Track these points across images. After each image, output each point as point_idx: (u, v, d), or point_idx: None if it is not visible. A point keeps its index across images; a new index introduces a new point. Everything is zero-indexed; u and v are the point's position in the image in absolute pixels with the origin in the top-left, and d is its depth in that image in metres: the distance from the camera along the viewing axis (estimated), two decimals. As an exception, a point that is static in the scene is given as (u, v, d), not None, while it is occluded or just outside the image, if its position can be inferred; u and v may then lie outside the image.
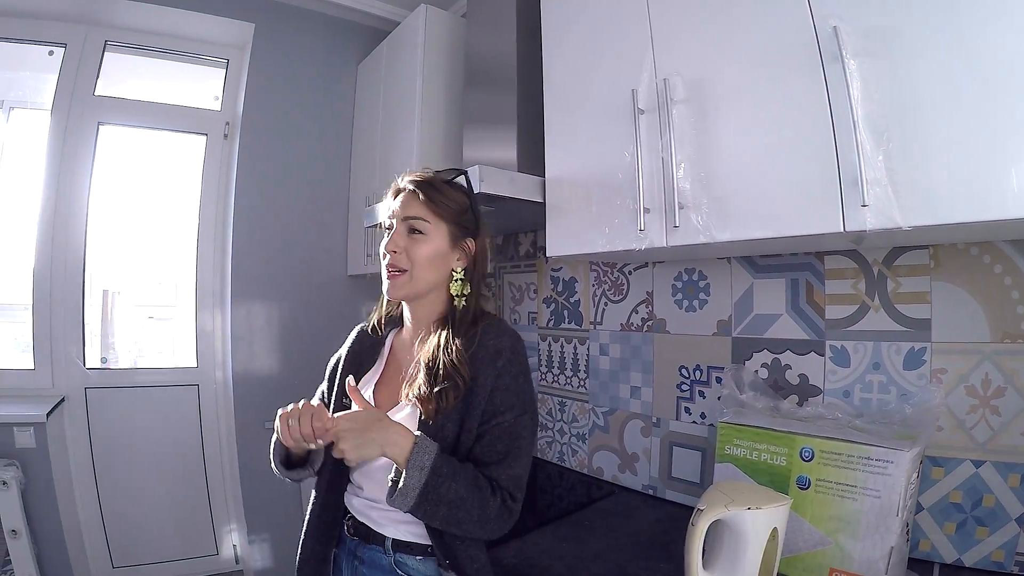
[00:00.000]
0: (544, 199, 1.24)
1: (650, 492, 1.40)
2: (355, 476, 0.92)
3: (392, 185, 0.96)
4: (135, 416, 1.94)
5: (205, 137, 2.03)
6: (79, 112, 1.91)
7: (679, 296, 1.34)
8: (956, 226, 0.71)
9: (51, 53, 1.94)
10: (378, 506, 0.87)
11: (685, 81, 0.95)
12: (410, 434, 0.78)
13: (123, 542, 1.93)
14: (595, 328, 1.55)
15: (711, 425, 1.27)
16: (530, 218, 1.43)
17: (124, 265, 2.07)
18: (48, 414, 1.73)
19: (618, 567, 1.01)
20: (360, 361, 1.00)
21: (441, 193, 0.91)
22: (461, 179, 0.96)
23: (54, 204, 1.88)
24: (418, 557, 0.87)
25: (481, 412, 0.83)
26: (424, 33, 1.75)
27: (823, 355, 1.09)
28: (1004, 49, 0.64)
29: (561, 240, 1.21)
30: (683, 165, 0.94)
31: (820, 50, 0.78)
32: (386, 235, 0.92)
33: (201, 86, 2.08)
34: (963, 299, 0.91)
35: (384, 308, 1.02)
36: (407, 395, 0.86)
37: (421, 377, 0.85)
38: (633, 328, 1.45)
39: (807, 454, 0.92)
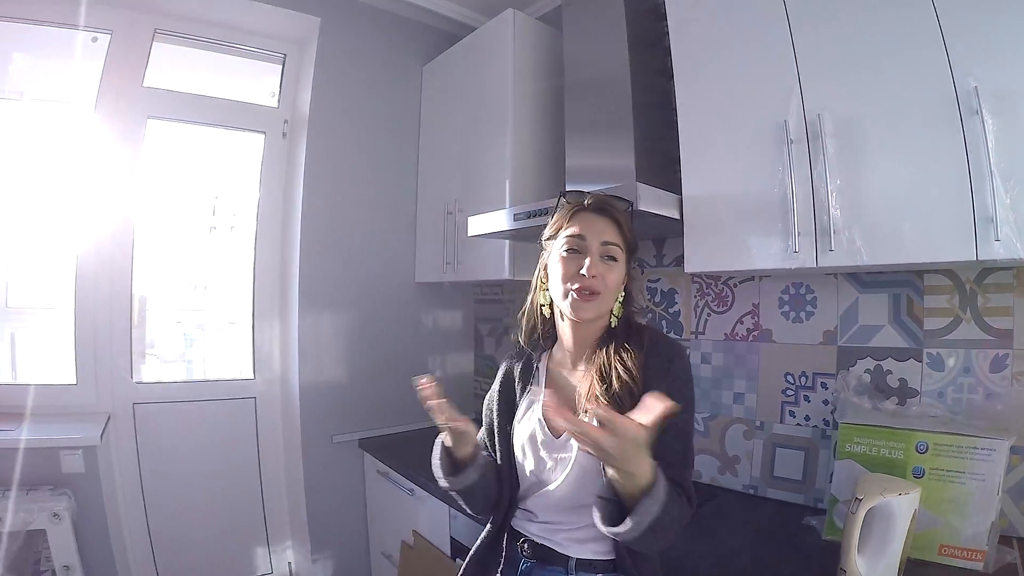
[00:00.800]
0: (681, 216, 1.62)
1: (751, 492, 1.81)
2: (529, 503, 1.16)
3: (567, 203, 1.19)
4: (187, 433, 2.22)
5: (263, 136, 2.31)
6: (127, 104, 2.15)
7: (786, 308, 1.77)
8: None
9: (95, 40, 2.15)
10: (563, 529, 1.11)
11: (834, 117, 1.36)
12: (652, 464, 0.91)
13: (173, 564, 2.16)
14: (696, 338, 1.98)
15: (814, 426, 1.69)
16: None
17: (172, 272, 2.33)
18: (100, 435, 1.92)
19: (759, 560, 1.37)
20: (511, 392, 1.26)
21: (628, 221, 1.18)
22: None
23: (99, 204, 2.09)
24: (599, 574, 1.10)
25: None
26: (513, 38, 2.14)
27: (921, 361, 1.54)
28: None
29: (704, 256, 1.60)
30: (834, 193, 1.34)
31: (959, 105, 1.19)
32: (567, 255, 1.12)
33: (254, 83, 2.37)
34: None
35: (533, 330, 1.26)
36: (585, 411, 1.04)
37: (598, 390, 1.07)
38: (738, 337, 1.88)
39: (922, 447, 1.35)
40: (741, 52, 1.55)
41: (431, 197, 2.47)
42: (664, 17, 2.01)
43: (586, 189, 1.26)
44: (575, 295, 1.10)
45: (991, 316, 1.44)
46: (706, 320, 1.95)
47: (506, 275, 2.11)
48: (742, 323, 1.87)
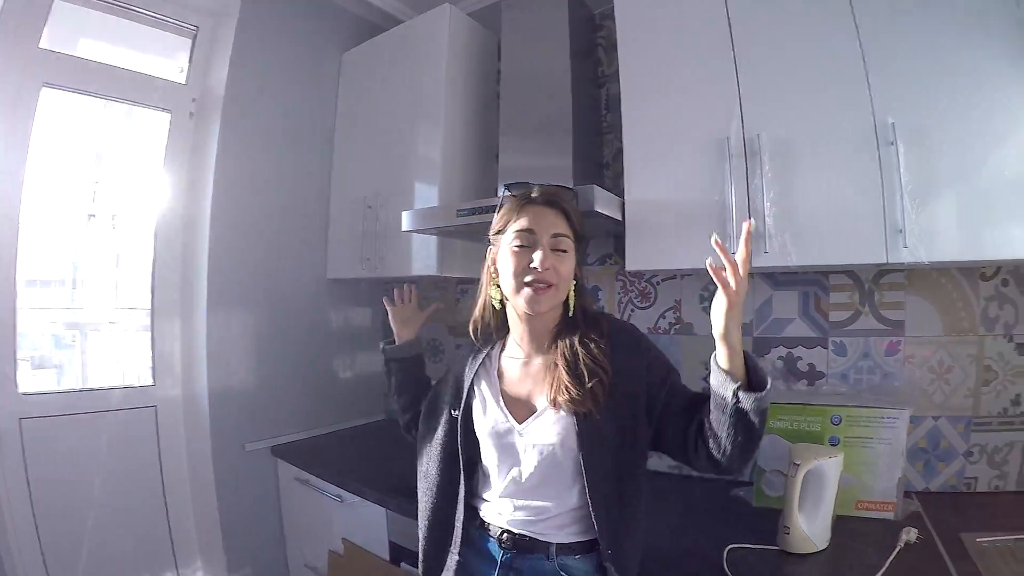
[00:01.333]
0: (623, 218, 1.73)
1: (676, 472, 1.96)
2: (502, 494, 1.17)
3: (513, 197, 1.21)
4: (80, 448, 1.93)
5: (168, 115, 2.10)
6: (19, 67, 1.84)
7: (706, 303, 1.95)
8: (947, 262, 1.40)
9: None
10: (544, 518, 1.14)
11: (771, 137, 1.54)
12: None
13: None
14: (621, 332, 2.09)
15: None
16: None
17: (45, 264, 2.02)
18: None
19: (705, 530, 1.51)
20: (460, 384, 1.29)
21: (575, 212, 1.21)
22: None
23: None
24: (578, 556, 1.13)
25: (653, 393, 1.13)
26: (450, 34, 2.15)
27: (827, 348, 1.80)
28: (992, 145, 1.33)
29: (644, 256, 1.72)
30: (768, 204, 1.53)
31: (877, 136, 1.42)
32: (518, 250, 1.14)
33: (163, 61, 2.16)
34: (925, 307, 1.68)
35: (486, 322, 1.28)
36: (554, 401, 1.11)
37: (567, 380, 1.11)
38: (660, 331, 2.05)
39: (836, 419, 1.57)
40: (688, 72, 1.70)
41: (348, 190, 2.39)
42: (598, 28, 2.15)
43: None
44: (529, 289, 1.13)
45: (886, 310, 1.71)
46: (630, 315, 2.10)
47: (435, 271, 2.10)
48: (664, 317, 2.04)
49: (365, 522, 1.91)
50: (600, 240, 2.16)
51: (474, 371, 1.27)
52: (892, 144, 1.41)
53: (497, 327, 1.28)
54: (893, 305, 1.73)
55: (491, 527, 1.19)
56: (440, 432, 1.28)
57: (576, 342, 1.16)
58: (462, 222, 1.81)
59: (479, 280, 1.30)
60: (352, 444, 2.35)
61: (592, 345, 1.15)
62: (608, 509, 1.10)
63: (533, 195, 1.19)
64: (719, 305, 0.96)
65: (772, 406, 1.59)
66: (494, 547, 1.18)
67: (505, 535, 1.16)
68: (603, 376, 1.11)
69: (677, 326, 2.02)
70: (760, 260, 1.54)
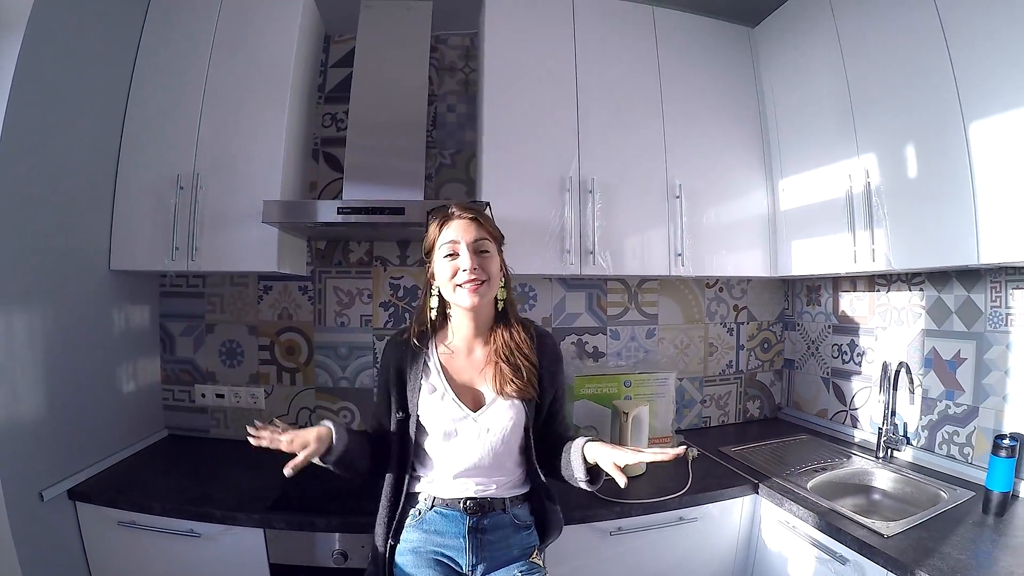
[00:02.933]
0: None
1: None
2: (462, 472, 1.40)
3: (436, 219, 1.42)
4: None
5: None
6: None
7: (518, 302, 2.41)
8: (696, 277, 2.18)
9: None
10: (499, 484, 1.42)
11: (599, 180, 2.12)
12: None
13: None
14: (439, 327, 2.40)
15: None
16: (369, 231, 2.11)
17: None
18: None
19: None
20: (404, 376, 1.45)
21: (489, 218, 1.46)
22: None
23: None
24: (520, 505, 1.47)
25: (553, 395, 1.51)
26: (303, 6, 2.12)
27: (606, 335, 2.47)
28: (726, 202, 2.14)
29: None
30: (596, 228, 2.07)
31: (668, 190, 2.14)
32: (448, 259, 1.37)
33: None
34: (671, 304, 2.49)
35: (423, 326, 1.47)
36: (502, 391, 1.39)
37: (510, 373, 1.40)
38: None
39: (627, 383, 2.21)
40: (541, 124, 2.13)
41: (148, 164, 2.06)
42: (433, 50, 2.41)
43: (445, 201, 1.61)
44: (463, 288, 1.36)
45: (646, 306, 2.48)
46: (447, 312, 2.44)
47: (274, 267, 2.03)
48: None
49: (235, 553, 1.74)
50: (417, 244, 2.29)
51: (419, 370, 1.44)
52: (678, 197, 2.16)
53: (432, 329, 1.48)
54: (650, 303, 2.52)
55: (450, 501, 1.40)
56: (394, 432, 1.45)
57: (511, 336, 1.45)
58: (341, 220, 1.87)
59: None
60: (162, 466, 2.08)
61: (524, 342, 1.45)
62: (540, 467, 1.47)
63: (451, 211, 1.42)
64: (607, 457, 1.30)
65: (581, 377, 2.16)
66: (456, 516, 1.39)
67: (469, 502, 1.40)
68: (534, 369, 1.43)
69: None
70: (588, 269, 2.09)
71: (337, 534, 1.69)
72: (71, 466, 1.83)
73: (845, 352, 2.40)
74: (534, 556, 1.44)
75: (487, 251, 1.40)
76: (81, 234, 1.93)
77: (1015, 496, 1.64)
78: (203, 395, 2.38)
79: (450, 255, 1.38)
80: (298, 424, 2.36)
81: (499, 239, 1.47)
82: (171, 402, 2.39)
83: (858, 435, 2.30)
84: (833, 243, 2.02)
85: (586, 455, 1.37)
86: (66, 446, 1.83)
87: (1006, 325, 1.76)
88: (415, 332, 1.47)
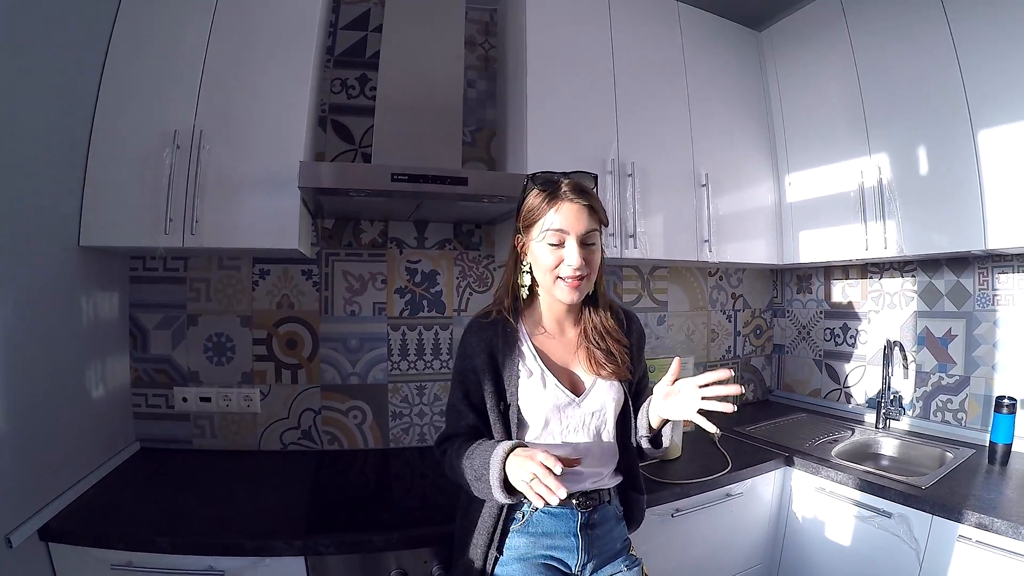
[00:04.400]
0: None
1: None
2: (591, 454, 1.33)
3: (541, 193, 1.30)
4: None
5: None
6: None
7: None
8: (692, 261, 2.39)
9: None
10: (606, 470, 1.37)
11: (637, 165, 2.19)
12: None
13: None
14: (459, 315, 2.34)
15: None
16: (384, 207, 2.00)
17: None
18: None
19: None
20: (497, 362, 1.33)
21: (600, 204, 1.33)
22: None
23: None
24: (617, 495, 1.42)
25: (639, 371, 1.47)
26: None
27: (620, 321, 2.58)
28: (742, 190, 2.37)
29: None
30: (635, 211, 2.16)
31: (695, 179, 2.29)
32: (552, 247, 1.27)
33: None
34: (679, 291, 2.66)
35: (510, 300, 1.37)
36: (599, 374, 1.34)
37: (602, 357, 1.34)
38: (497, 314, 2.39)
39: (652, 369, 2.29)
40: (581, 107, 2.17)
41: (135, 116, 1.71)
42: (488, 34, 2.45)
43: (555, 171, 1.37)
44: (563, 283, 1.29)
45: (657, 293, 2.62)
46: (468, 299, 2.35)
47: (294, 243, 1.78)
48: (501, 301, 2.43)
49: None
50: (437, 225, 2.33)
51: (515, 354, 1.34)
52: (704, 185, 2.33)
53: (520, 309, 1.39)
54: (661, 290, 2.67)
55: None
56: (496, 426, 1.32)
57: (602, 321, 1.39)
58: (396, 188, 1.70)
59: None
60: (145, 488, 1.73)
61: (614, 327, 1.40)
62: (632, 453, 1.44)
63: (563, 188, 1.30)
64: (674, 410, 1.26)
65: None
66: (566, 514, 1.31)
67: (582, 497, 1.32)
68: (626, 350, 1.39)
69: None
70: (629, 253, 2.18)
71: (393, 552, 1.51)
72: (40, 497, 1.46)
73: (838, 335, 2.74)
74: (631, 548, 1.43)
75: (594, 243, 1.31)
76: (42, 201, 1.52)
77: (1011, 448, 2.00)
78: (184, 399, 2.06)
79: (555, 244, 1.28)
80: (300, 428, 2.16)
81: (606, 224, 1.38)
82: (143, 409, 2.04)
83: (855, 410, 2.64)
84: (844, 232, 2.32)
85: (651, 418, 1.34)
86: (31, 471, 1.44)
87: (993, 304, 2.16)
88: (508, 309, 1.37)
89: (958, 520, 1.61)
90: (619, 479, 1.42)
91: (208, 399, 2.08)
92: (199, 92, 1.76)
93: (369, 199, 1.83)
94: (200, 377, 2.09)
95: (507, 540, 1.30)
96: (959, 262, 2.27)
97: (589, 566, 1.33)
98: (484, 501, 1.28)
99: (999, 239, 1.85)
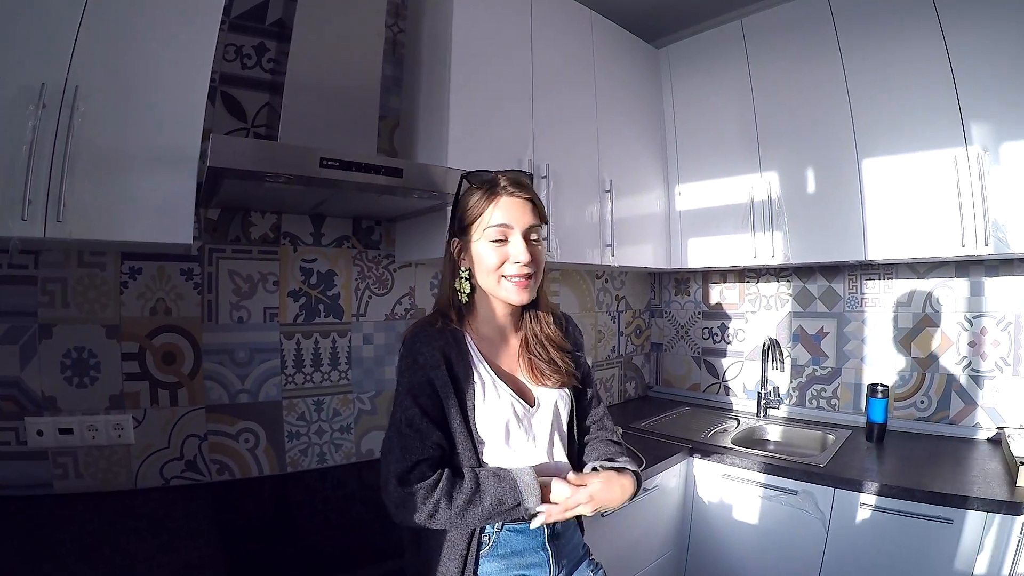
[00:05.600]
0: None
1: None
2: (548, 465, 1.29)
3: (476, 188, 1.28)
4: None
5: None
6: None
7: (435, 290, 2.33)
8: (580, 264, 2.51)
9: None
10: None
11: (552, 168, 2.22)
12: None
13: None
14: (358, 320, 2.18)
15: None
16: (282, 196, 1.79)
17: None
18: None
19: None
20: (454, 374, 1.24)
21: (540, 199, 1.32)
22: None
23: None
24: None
25: (582, 374, 1.43)
26: None
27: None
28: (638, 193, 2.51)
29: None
30: (551, 213, 2.18)
31: (599, 183, 2.39)
32: (496, 245, 1.24)
33: None
34: (570, 294, 2.74)
35: (451, 308, 1.31)
36: (543, 383, 1.31)
37: (544, 367, 1.31)
38: (397, 317, 2.27)
39: None
40: (502, 103, 2.17)
41: None
42: (399, 17, 2.37)
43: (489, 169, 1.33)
44: (509, 282, 1.25)
45: (550, 295, 2.62)
46: (368, 302, 2.21)
47: (188, 239, 1.51)
48: (401, 303, 2.29)
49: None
50: (337, 221, 2.15)
51: (468, 364, 1.27)
52: (608, 191, 2.46)
53: (458, 317, 1.32)
54: (553, 292, 2.74)
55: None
56: (465, 444, 1.24)
57: (542, 328, 1.36)
58: (325, 176, 1.54)
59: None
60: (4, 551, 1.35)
61: (556, 333, 1.37)
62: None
63: (502, 184, 1.27)
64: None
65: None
66: (532, 529, 1.24)
67: (551, 527, 1.28)
68: (567, 356, 1.36)
69: (412, 311, 2.30)
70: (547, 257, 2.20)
71: None
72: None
73: (716, 334, 3.04)
74: (591, 553, 1.44)
75: (538, 240, 1.30)
76: None
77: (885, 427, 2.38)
78: (40, 432, 1.64)
79: (499, 241, 1.25)
80: (183, 459, 1.84)
81: (546, 222, 1.35)
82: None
83: (733, 402, 2.94)
84: (734, 241, 2.59)
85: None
86: None
87: (861, 306, 2.57)
88: (454, 318, 1.31)
89: (859, 490, 1.94)
90: None
91: (70, 430, 1.68)
92: (76, 39, 1.39)
93: (280, 186, 1.60)
94: (58, 403, 1.69)
95: (480, 567, 1.23)
96: (831, 269, 2.64)
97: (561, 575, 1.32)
98: (443, 532, 1.21)
99: (877, 251, 2.23)
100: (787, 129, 2.49)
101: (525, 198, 1.26)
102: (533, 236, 1.27)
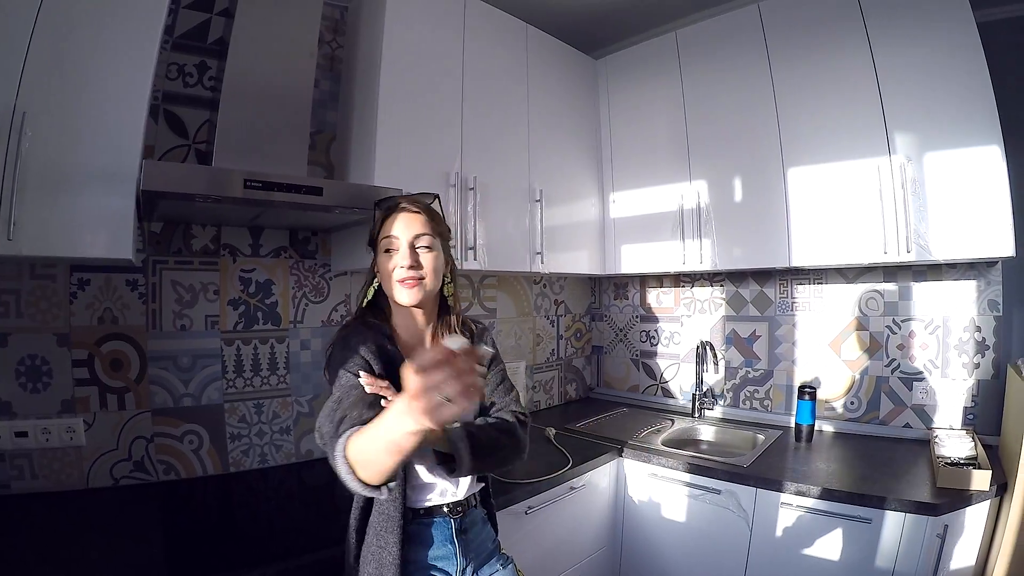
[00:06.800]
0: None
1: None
2: (427, 474, 1.45)
3: (381, 212, 1.54)
4: None
5: None
6: None
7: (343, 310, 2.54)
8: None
9: None
10: (458, 480, 1.48)
11: (478, 179, 2.43)
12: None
13: None
14: (295, 326, 2.39)
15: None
16: (220, 212, 1.98)
17: None
18: None
19: None
20: (383, 362, 1.43)
21: (436, 212, 1.56)
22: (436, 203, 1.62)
23: None
24: (480, 499, 1.59)
25: (491, 384, 1.60)
26: None
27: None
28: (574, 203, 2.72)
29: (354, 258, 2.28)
30: (476, 223, 2.39)
31: (530, 193, 2.62)
32: (387, 254, 1.47)
33: None
34: (506, 298, 2.99)
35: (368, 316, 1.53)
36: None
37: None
38: (334, 323, 2.48)
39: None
40: (431, 116, 2.35)
41: None
42: (337, 32, 2.56)
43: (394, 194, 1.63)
44: (400, 285, 1.45)
45: (487, 300, 2.92)
46: (304, 309, 2.42)
47: (128, 254, 1.69)
48: (337, 310, 2.50)
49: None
50: (274, 232, 2.35)
51: (384, 364, 1.44)
52: (538, 201, 2.67)
53: (375, 323, 1.52)
54: (490, 298, 2.95)
55: (430, 508, 1.47)
56: None
57: (453, 334, 1.55)
58: (249, 196, 1.73)
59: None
60: None
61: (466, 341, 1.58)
62: None
63: (400, 204, 1.52)
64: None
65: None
66: (442, 523, 1.48)
67: (452, 505, 1.50)
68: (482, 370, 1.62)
69: (347, 317, 2.42)
70: (468, 264, 2.41)
71: None
72: None
73: (653, 337, 3.27)
74: (501, 548, 1.64)
75: (428, 247, 1.49)
76: None
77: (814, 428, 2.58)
78: None
79: (389, 250, 1.48)
80: (131, 459, 2.05)
81: (445, 234, 1.57)
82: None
83: (671, 402, 3.16)
84: (663, 248, 2.80)
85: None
86: None
87: (792, 310, 2.78)
88: (373, 317, 1.53)
89: (779, 490, 2.11)
90: (482, 484, 1.61)
91: (24, 433, 1.89)
92: (23, 67, 1.57)
93: (212, 204, 1.81)
94: (13, 408, 1.89)
95: (411, 552, 1.41)
96: (763, 275, 2.85)
97: (468, 569, 1.50)
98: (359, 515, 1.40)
99: (801, 258, 2.43)
100: (716, 138, 2.68)
101: (414, 211, 1.49)
102: (421, 244, 1.47)
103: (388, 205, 1.53)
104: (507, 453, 1.46)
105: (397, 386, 1.31)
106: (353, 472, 1.18)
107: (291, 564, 1.54)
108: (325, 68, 2.51)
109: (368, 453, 1.15)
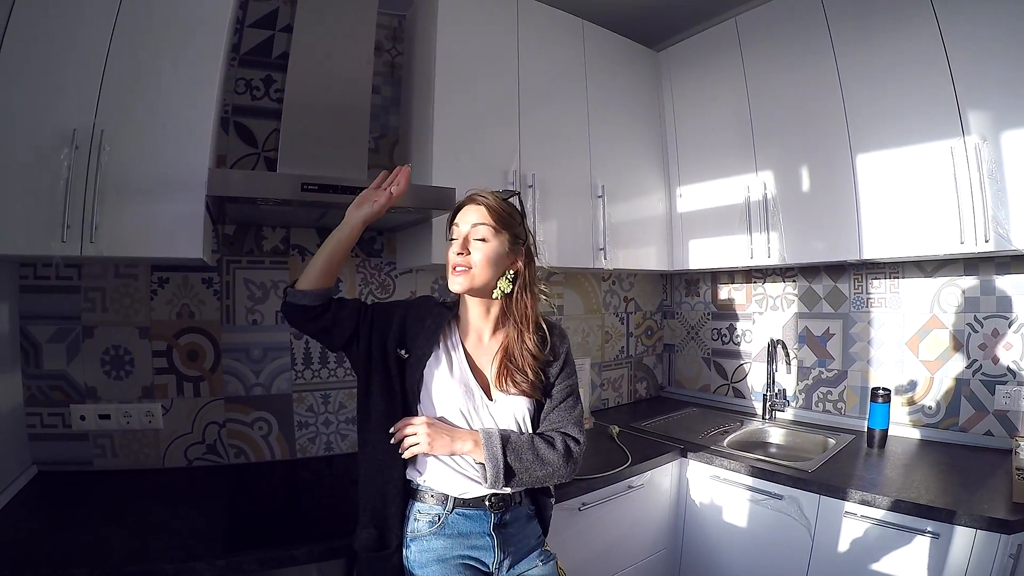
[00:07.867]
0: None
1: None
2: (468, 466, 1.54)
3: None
4: None
5: None
6: None
7: (437, 294, 2.70)
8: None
9: None
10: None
11: (538, 177, 2.53)
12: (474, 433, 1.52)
13: None
14: (361, 322, 2.58)
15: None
16: (288, 214, 2.20)
17: None
18: None
19: None
20: (416, 332, 1.59)
21: (498, 204, 1.58)
22: (515, 199, 1.67)
23: None
24: (527, 496, 1.66)
25: (556, 390, 1.63)
26: None
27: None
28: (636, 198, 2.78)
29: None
30: (537, 220, 2.49)
31: (591, 189, 2.70)
32: (449, 243, 1.58)
33: None
34: (574, 295, 3.07)
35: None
36: (506, 389, 1.56)
37: (514, 375, 1.56)
38: (398, 319, 2.66)
39: None
40: (487, 116, 2.49)
41: (25, 112, 1.74)
42: (396, 40, 2.74)
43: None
44: (451, 272, 1.55)
45: (553, 297, 3.02)
46: (371, 305, 2.62)
47: (198, 253, 1.90)
48: (403, 306, 2.70)
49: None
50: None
51: (447, 331, 1.63)
52: (600, 196, 2.73)
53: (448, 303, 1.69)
54: (557, 295, 3.04)
55: (472, 500, 1.54)
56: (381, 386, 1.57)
57: (519, 337, 1.60)
58: (306, 199, 1.91)
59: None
60: (49, 516, 1.80)
61: (535, 347, 1.60)
62: None
63: (471, 195, 1.61)
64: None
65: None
66: (480, 515, 1.55)
67: (494, 498, 1.55)
68: (539, 369, 1.60)
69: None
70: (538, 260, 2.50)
71: (316, 564, 1.67)
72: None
73: (724, 335, 3.27)
74: (545, 544, 1.69)
75: (483, 239, 1.54)
76: None
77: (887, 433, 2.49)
78: (82, 417, 2.15)
79: (450, 238, 1.59)
80: (204, 443, 2.32)
81: (511, 229, 1.58)
82: (39, 430, 2.11)
83: (741, 403, 3.15)
84: (731, 242, 2.80)
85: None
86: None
87: (867, 307, 2.71)
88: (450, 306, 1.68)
89: (843, 498, 2.05)
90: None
91: (107, 416, 2.19)
92: (100, 89, 1.83)
93: (276, 207, 2.03)
94: (98, 393, 2.20)
95: (425, 542, 1.51)
96: (836, 269, 2.79)
97: (506, 563, 1.56)
98: (393, 494, 1.54)
99: (873, 250, 2.36)
100: (781, 126, 2.66)
101: (479, 203, 1.56)
102: (476, 235, 1.54)
103: (465, 196, 1.62)
104: (539, 476, 1.53)
105: (428, 343, 1.58)
106: (292, 285, 1.55)
107: (336, 544, 1.66)
108: (386, 75, 2.71)
109: (315, 259, 1.55)
